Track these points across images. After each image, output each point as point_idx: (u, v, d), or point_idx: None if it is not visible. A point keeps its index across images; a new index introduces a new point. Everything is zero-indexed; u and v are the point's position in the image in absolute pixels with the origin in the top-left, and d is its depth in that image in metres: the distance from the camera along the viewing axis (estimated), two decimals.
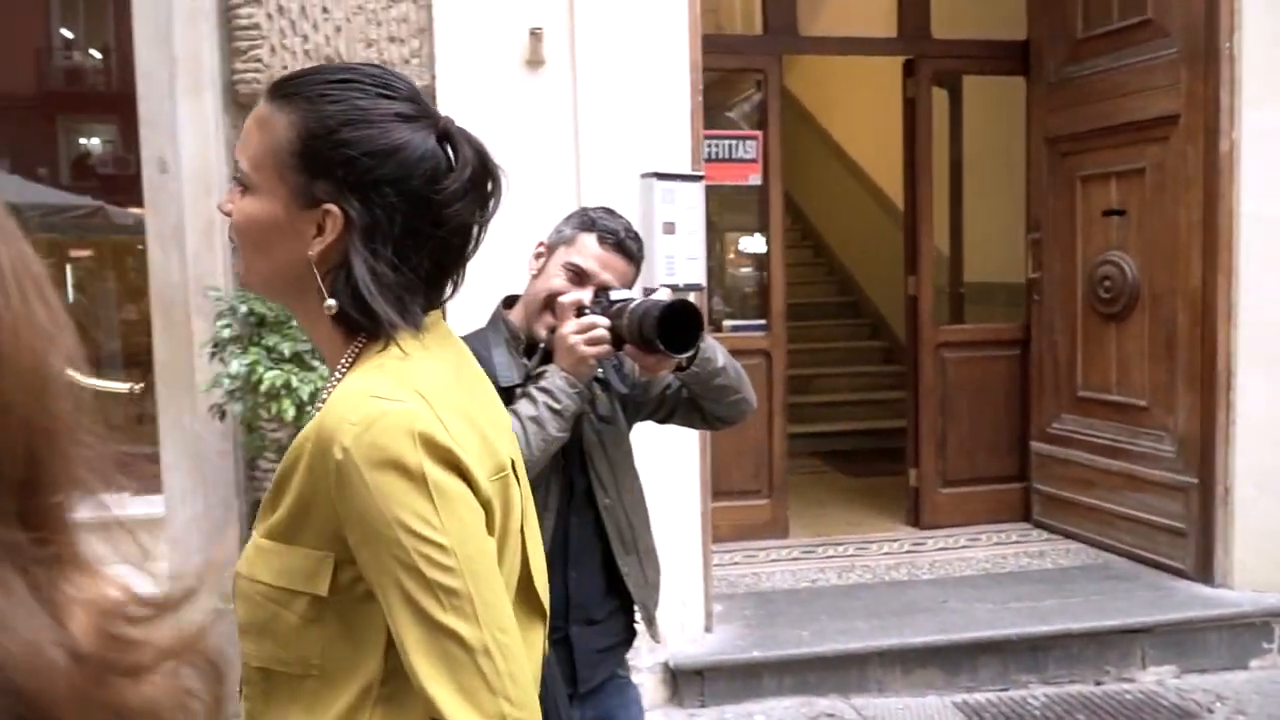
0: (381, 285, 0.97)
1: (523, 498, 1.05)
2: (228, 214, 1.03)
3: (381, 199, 0.96)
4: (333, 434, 0.91)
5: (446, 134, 1.00)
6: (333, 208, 0.97)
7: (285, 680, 0.96)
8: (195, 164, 3.26)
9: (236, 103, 3.36)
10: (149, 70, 3.35)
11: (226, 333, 2.84)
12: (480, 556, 0.93)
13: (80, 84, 18.53)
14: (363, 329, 0.99)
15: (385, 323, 0.97)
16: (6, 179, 8.51)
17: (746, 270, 6.66)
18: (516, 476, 1.04)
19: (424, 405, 0.93)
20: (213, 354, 2.89)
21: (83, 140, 18.60)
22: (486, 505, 0.96)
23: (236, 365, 2.75)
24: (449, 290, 1.06)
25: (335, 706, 0.94)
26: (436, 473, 0.91)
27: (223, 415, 2.94)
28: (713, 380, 1.80)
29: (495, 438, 1.01)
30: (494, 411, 1.07)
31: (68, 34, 17.99)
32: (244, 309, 2.84)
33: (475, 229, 1.03)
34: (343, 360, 1.00)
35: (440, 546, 0.90)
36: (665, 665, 3.43)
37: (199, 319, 3.24)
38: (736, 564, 4.32)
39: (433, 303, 1.04)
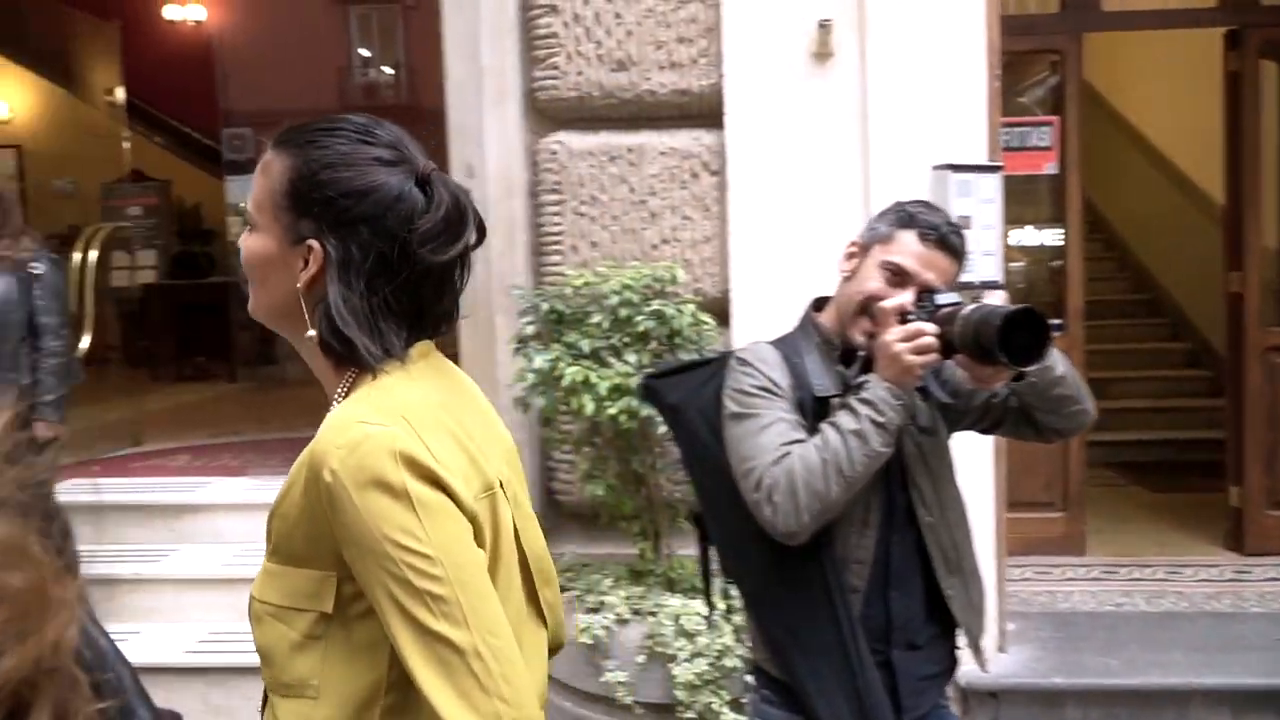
0: (354, 314, 1.03)
1: (516, 513, 1.11)
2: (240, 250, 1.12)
3: (356, 236, 1.03)
4: (322, 458, 0.97)
5: (425, 179, 1.05)
6: (314, 244, 1.04)
7: (285, 703, 1.02)
8: (498, 168, 3.44)
9: (534, 109, 3.50)
10: (459, 82, 3.56)
11: (530, 329, 2.96)
12: (467, 565, 0.98)
13: (375, 98, 20.29)
14: (345, 358, 1.05)
15: (360, 349, 1.03)
16: None
17: (1030, 265, 6.24)
18: (506, 494, 1.09)
19: (406, 428, 0.98)
20: (517, 349, 3.02)
21: None
22: (473, 519, 1.00)
23: (540, 360, 2.86)
24: (441, 324, 1.12)
25: None
26: (419, 489, 0.96)
27: (525, 408, 3.07)
28: (1051, 390, 1.65)
29: (484, 459, 1.06)
30: (486, 434, 1.12)
31: (365, 53, 19.75)
32: (545, 307, 2.96)
33: (454, 267, 1.08)
34: (338, 391, 1.07)
35: (426, 557, 0.95)
36: (955, 683, 3.26)
37: (501, 315, 3.41)
38: (1028, 580, 4.04)
39: (422, 335, 1.09)
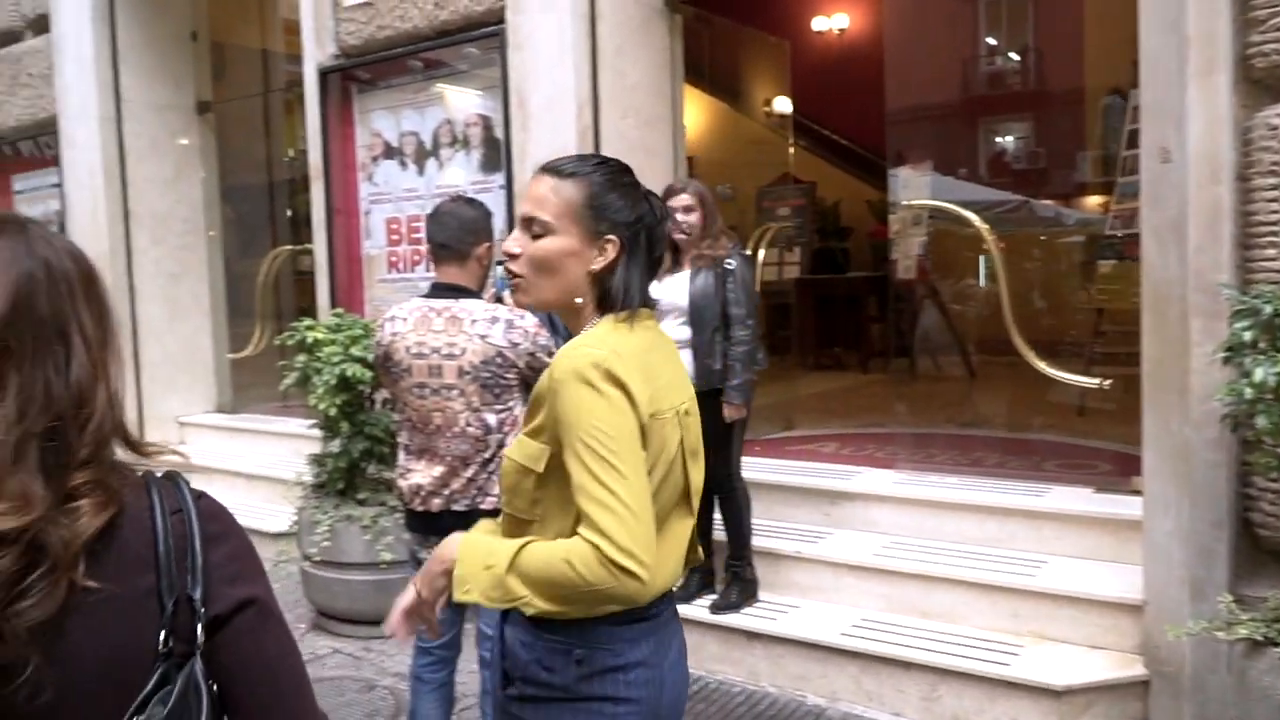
0: (636, 282, 1.59)
1: (686, 436, 1.60)
2: (515, 254, 1.60)
3: (631, 231, 1.59)
4: (556, 365, 1.49)
5: (647, 193, 1.64)
6: (612, 238, 1.58)
7: (519, 522, 1.56)
8: (1201, 149, 3.02)
9: (1248, 79, 3.01)
10: (1154, 55, 3.20)
11: (1246, 336, 2.55)
12: (630, 445, 1.44)
13: (1001, 86, 19.76)
14: (608, 309, 1.58)
15: (634, 302, 1.57)
16: (940, 179, 9.42)
17: None
18: (681, 423, 1.59)
19: (613, 353, 1.47)
20: (1227, 358, 2.62)
21: (998, 139, 19.84)
22: (642, 426, 1.46)
23: (1260, 373, 2.44)
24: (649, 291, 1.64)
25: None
26: (608, 388, 1.44)
27: (1236, 426, 2.67)
28: None
29: (664, 394, 1.55)
30: (673, 378, 1.62)
31: (991, 41, 19.29)
32: (1269, 309, 2.52)
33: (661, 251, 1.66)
34: (587, 328, 1.58)
35: (605, 432, 1.42)
36: None
37: (1197, 318, 3.00)
38: None
39: (646, 297, 1.62)
